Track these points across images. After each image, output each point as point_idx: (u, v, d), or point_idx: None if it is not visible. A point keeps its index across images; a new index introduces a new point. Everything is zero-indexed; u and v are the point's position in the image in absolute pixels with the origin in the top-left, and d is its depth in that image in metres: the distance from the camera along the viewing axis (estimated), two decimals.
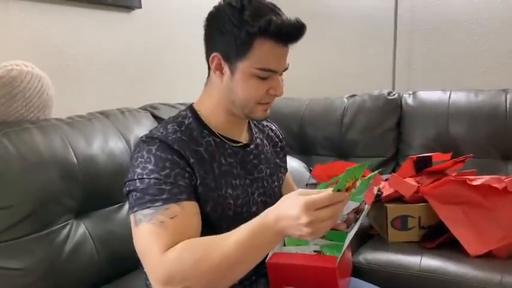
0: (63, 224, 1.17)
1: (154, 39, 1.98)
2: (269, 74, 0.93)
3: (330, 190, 0.76)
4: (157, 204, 0.86)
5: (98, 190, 1.25)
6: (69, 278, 1.15)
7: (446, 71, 2.22)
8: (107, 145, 1.31)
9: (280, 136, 1.21)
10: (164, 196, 0.87)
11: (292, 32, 0.91)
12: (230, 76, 0.95)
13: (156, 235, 0.84)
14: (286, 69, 0.97)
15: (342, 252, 0.94)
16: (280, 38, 0.90)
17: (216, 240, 0.83)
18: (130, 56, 1.88)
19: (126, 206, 1.31)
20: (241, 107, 0.97)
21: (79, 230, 1.20)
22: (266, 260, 0.96)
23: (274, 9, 0.92)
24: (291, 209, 0.76)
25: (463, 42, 2.17)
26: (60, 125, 1.25)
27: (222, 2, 0.95)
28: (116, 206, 1.31)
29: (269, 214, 0.81)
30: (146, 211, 0.86)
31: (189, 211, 0.89)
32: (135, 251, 0.89)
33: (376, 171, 0.92)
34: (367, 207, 0.93)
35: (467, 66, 2.17)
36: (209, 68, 0.99)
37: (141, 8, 1.87)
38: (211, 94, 1.01)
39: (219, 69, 0.96)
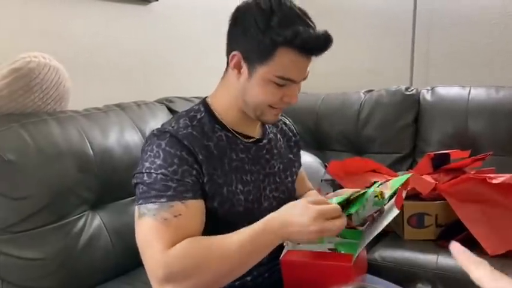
0: (79, 215, 1.18)
1: (170, 32, 1.97)
2: (287, 82, 0.93)
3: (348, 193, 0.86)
4: (162, 200, 0.86)
5: (114, 182, 1.26)
6: (85, 269, 1.16)
7: (465, 67, 2.17)
8: (123, 138, 1.32)
9: (294, 131, 1.20)
10: (169, 193, 0.86)
11: (317, 45, 0.90)
12: (247, 77, 0.93)
13: (158, 232, 0.84)
14: (305, 78, 0.96)
15: (358, 251, 0.92)
16: (304, 50, 0.90)
17: (218, 241, 0.85)
18: (147, 49, 1.88)
19: None
20: (253, 109, 0.96)
21: (94, 222, 1.21)
22: (280, 257, 0.95)
23: (303, 18, 0.90)
24: (300, 216, 0.83)
25: (483, 38, 2.12)
26: (77, 117, 1.26)
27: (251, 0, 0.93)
28: (131, 198, 1.31)
29: (274, 219, 0.85)
30: (151, 205, 0.86)
31: (193, 210, 0.89)
32: None
33: (407, 176, 0.90)
34: (395, 210, 0.90)
35: (486, 62, 2.13)
36: (228, 63, 0.98)
37: (157, 0, 1.87)
38: (226, 90, 1.00)
39: (238, 68, 0.94)
